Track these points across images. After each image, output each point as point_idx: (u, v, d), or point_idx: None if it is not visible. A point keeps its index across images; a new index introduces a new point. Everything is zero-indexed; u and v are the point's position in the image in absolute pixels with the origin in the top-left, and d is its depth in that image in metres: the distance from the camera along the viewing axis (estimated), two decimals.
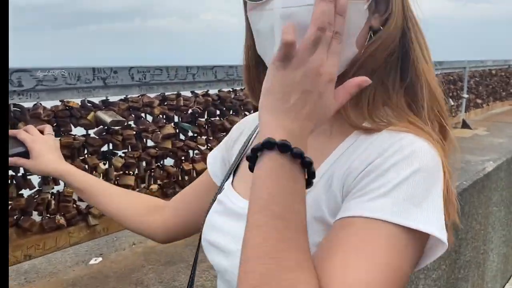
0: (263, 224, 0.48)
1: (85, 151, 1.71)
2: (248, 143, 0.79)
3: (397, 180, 0.51)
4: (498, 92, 5.72)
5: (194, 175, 2.13)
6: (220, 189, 0.77)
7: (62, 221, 1.64)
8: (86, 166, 1.70)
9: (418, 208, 0.50)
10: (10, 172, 1.39)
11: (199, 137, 2.15)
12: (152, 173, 1.97)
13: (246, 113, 2.43)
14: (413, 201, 0.50)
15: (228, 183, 0.76)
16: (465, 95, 4.58)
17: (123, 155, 1.85)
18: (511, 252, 4.21)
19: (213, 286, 1.60)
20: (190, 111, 2.08)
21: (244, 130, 0.85)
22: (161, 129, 1.95)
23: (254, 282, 0.46)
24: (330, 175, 0.59)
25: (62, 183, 1.69)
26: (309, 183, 0.52)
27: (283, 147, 0.49)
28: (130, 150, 1.85)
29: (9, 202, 1.39)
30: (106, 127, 1.72)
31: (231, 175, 0.78)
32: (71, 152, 1.64)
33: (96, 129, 1.72)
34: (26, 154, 1.18)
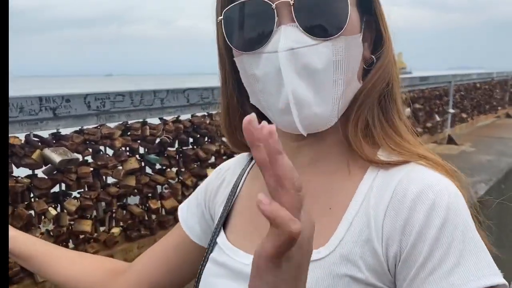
0: None
1: (31, 195, 1.44)
2: (235, 193, 0.72)
3: (452, 245, 0.49)
4: (482, 105, 5.64)
5: (163, 213, 1.87)
6: (211, 247, 0.70)
7: None
8: (32, 213, 1.43)
9: (479, 261, 0.49)
10: None
11: (168, 169, 1.89)
12: (114, 215, 1.71)
13: (224, 139, 2.19)
14: (472, 256, 0.49)
15: (221, 239, 0.69)
16: (451, 110, 4.44)
17: (78, 196, 1.58)
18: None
19: None
20: (157, 140, 1.83)
21: (226, 177, 0.78)
22: (123, 163, 1.69)
23: None
24: (362, 224, 0.55)
25: None
26: None
27: None
28: (86, 190, 1.58)
29: None
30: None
31: (221, 230, 0.71)
32: (13, 197, 1.36)
33: (44, 168, 1.46)
34: None
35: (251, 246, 0.62)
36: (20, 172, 1.41)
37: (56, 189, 1.52)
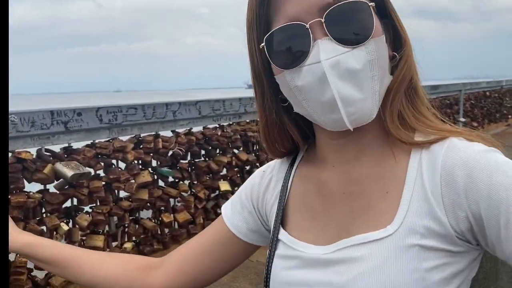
0: None
1: (43, 210, 1.41)
2: (286, 192, 0.77)
3: None
4: (492, 113, 5.56)
5: (176, 227, 1.84)
6: (274, 245, 0.73)
7: None
8: (44, 228, 1.41)
9: None
10: None
11: (181, 182, 1.86)
12: (126, 229, 1.68)
13: (235, 151, 2.17)
14: None
15: (284, 236, 0.73)
16: (462, 119, 4.39)
17: (90, 210, 1.56)
18: None
19: None
20: (170, 153, 1.81)
21: (272, 179, 0.82)
22: (135, 177, 1.66)
23: None
24: (420, 199, 0.61)
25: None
26: None
27: None
28: (98, 204, 1.56)
29: None
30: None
31: (280, 227, 0.75)
32: (25, 213, 1.34)
33: (56, 182, 1.43)
34: None
35: (314, 239, 0.69)
36: (32, 187, 1.39)
37: (68, 203, 1.50)
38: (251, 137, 2.21)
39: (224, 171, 2.09)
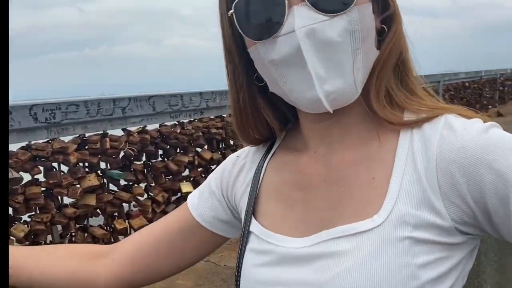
0: None
1: None
2: (258, 182, 0.72)
3: None
4: (472, 104, 5.52)
5: (132, 233, 1.69)
6: (245, 237, 0.68)
7: None
8: None
9: None
10: None
11: (135, 185, 1.71)
12: (73, 239, 1.52)
13: (198, 149, 2.02)
14: None
15: (256, 227, 0.67)
16: None
17: (28, 219, 1.40)
18: (503, 279, 3.89)
19: None
20: (122, 154, 1.66)
21: (245, 165, 0.76)
22: (80, 181, 1.50)
23: None
24: (413, 185, 0.55)
25: None
26: None
27: None
28: (37, 212, 1.40)
29: None
30: None
31: (252, 218, 0.69)
32: None
33: None
34: None
35: (290, 230, 0.63)
36: None
37: None
38: (216, 134, 2.07)
39: (186, 172, 1.94)
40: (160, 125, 1.83)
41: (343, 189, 0.61)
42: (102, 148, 1.57)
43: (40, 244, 1.42)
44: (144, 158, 1.76)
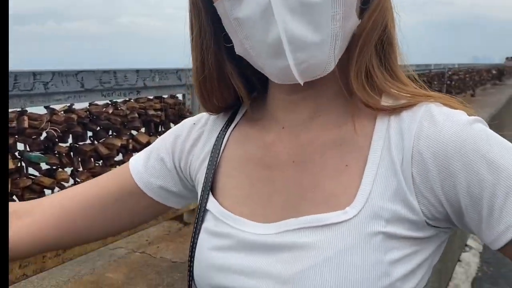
0: None
1: None
2: (219, 151, 0.65)
3: (501, 165, 0.48)
4: None
5: None
6: (201, 215, 0.62)
7: None
8: None
9: None
10: None
11: (60, 170, 1.55)
12: None
13: (133, 132, 1.88)
14: None
15: (214, 206, 0.62)
16: None
17: None
18: (444, 266, 4.00)
19: None
20: (44, 135, 1.49)
21: (203, 135, 0.69)
22: None
23: None
24: (388, 176, 0.52)
25: None
26: None
27: None
28: None
29: None
30: None
31: (209, 195, 0.63)
32: None
33: None
34: None
35: (252, 213, 0.59)
36: None
37: None
38: (154, 116, 1.93)
39: (120, 157, 1.79)
40: (90, 104, 1.67)
41: (314, 173, 0.57)
42: (19, 127, 1.40)
43: None
44: (70, 140, 1.60)
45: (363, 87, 0.55)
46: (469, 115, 0.53)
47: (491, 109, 6.53)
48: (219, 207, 0.62)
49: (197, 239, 0.62)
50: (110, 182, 0.72)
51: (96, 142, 1.68)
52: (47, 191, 1.52)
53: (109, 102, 1.75)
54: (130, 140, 1.81)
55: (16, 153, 1.43)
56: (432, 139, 0.51)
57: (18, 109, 1.43)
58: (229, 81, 0.62)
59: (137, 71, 1.82)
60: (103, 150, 1.67)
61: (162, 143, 0.72)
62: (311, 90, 0.57)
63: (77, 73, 1.57)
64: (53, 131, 1.49)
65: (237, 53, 0.57)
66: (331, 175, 0.56)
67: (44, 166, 1.52)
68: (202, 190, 0.65)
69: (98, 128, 1.68)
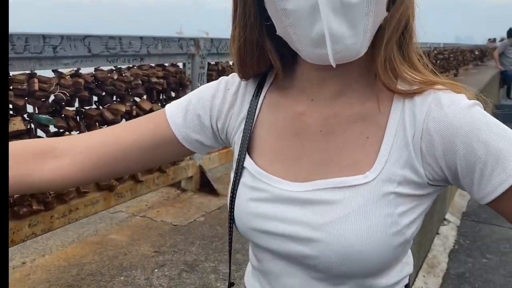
0: None
1: None
2: (254, 116, 0.73)
3: (498, 146, 0.59)
4: None
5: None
6: (239, 172, 0.71)
7: None
8: None
9: None
10: None
11: (67, 133, 1.58)
12: None
13: (136, 98, 1.90)
14: None
15: (250, 165, 0.70)
16: None
17: None
18: (423, 238, 4.16)
19: None
20: (52, 98, 1.51)
21: (238, 97, 0.76)
22: None
23: None
24: (401, 149, 0.63)
25: None
26: None
27: None
28: None
29: None
30: None
31: (246, 155, 0.72)
32: None
33: None
34: None
35: (283, 173, 0.68)
36: None
37: None
38: (156, 84, 1.95)
39: (123, 122, 1.82)
40: (96, 69, 1.69)
41: (339, 142, 0.66)
42: (30, 89, 1.42)
43: None
44: (77, 104, 1.62)
45: (386, 72, 0.63)
46: (469, 99, 0.63)
47: (474, 88, 6.66)
48: (254, 166, 0.71)
49: (236, 190, 0.71)
50: (148, 130, 0.77)
51: (101, 107, 1.71)
52: None
53: (114, 68, 1.77)
54: (134, 107, 1.84)
55: (25, 115, 1.45)
56: (438, 120, 0.61)
57: (28, 72, 1.44)
58: (266, 54, 0.69)
59: (141, 38, 1.83)
60: (108, 115, 1.70)
61: (200, 101, 0.78)
62: (339, 70, 0.63)
63: (84, 37, 1.58)
64: (61, 95, 1.51)
65: (277, 34, 0.64)
66: (354, 145, 0.65)
67: (52, 129, 1.54)
68: (240, 150, 0.73)
69: (104, 93, 1.71)
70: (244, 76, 0.75)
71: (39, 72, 1.48)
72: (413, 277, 3.85)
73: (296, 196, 0.65)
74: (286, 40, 0.64)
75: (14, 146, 0.76)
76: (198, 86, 0.80)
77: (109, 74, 1.72)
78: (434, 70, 0.68)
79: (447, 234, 4.94)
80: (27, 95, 1.43)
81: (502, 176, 0.59)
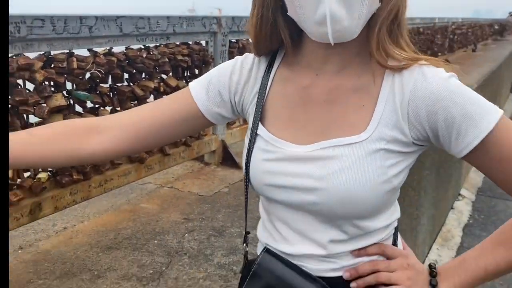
0: None
1: None
2: (266, 90, 0.85)
3: (471, 108, 0.72)
4: (423, 51, 5.69)
5: None
6: (253, 138, 0.84)
7: None
8: None
9: (489, 106, 0.75)
10: None
11: (101, 108, 1.69)
12: None
13: (163, 76, 2.00)
14: (484, 107, 0.73)
15: (263, 132, 0.83)
16: None
17: None
18: (437, 213, 4.24)
19: None
20: (88, 75, 1.62)
21: (252, 74, 0.88)
22: (47, 100, 1.47)
23: None
24: (391, 113, 0.76)
25: None
26: None
27: None
28: None
29: None
30: None
31: (259, 124, 0.83)
32: None
33: None
34: None
35: (292, 137, 0.80)
36: None
37: None
38: (181, 62, 2.05)
39: (151, 98, 1.93)
40: (126, 48, 1.79)
41: (339, 109, 0.78)
42: (69, 67, 1.53)
43: None
44: (110, 81, 1.73)
45: (379, 52, 0.75)
46: (447, 72, 0.75)
47: (492, 64, 6.62)
48: (267, 133, 0.83)
49: (251, 154, 0.83)
50: (176, 106, 0.90)
51: (132, 84, 1.82)
52: None
53: (143, 47, 1.87)
54: (161, 83, 1.94)
55: (64, 92, 1.57)
56: (423, 89, 0.74)
57: (66, 51, 1.55)
58: (278, 31, 0.80)
59: (168, 17, 1.92)
60: (138, 91, 1.80)
61: (219, 79, 0.90)
62: (339, 49, 0.75)
63: (116, 18, 1.67)
64: (97, 72, 1.62)
65: (288, 14, 0.75)
66: (352, 111, 0.77)
67: (88, 104, 1.66)
68: (253, 120, 0.84)
69: (134, 71, 1.81)
70: (257, 52, 0.86)
71: (76, 51, 1.59)
72: (427, 249, 3.95)
73: (302, 155, 0.77)
74: (295, 20, 0.74)
75: (63, 124, 0.88)
76: (220, 63, 0.90)
77: (138, 53, 1.82)
78: (416, 51, 0.80)
79: (462, 209, 5.01)
80: (67, 73, 1.54)
81: (475, 132, 0.72)
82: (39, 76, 1.43)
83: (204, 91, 0.90)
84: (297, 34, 0.80)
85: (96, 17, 1.59)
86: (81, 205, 1.86)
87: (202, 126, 0.94)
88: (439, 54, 6.35)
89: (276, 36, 0.81)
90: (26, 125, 1.45)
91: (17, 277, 1.39)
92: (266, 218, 0.88)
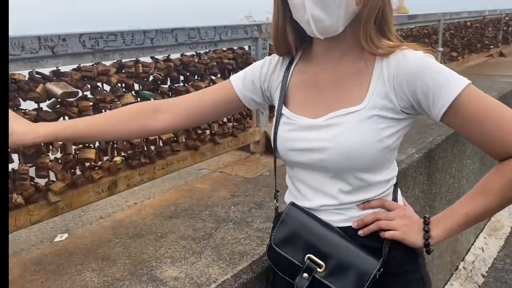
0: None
1: None
2: (287, 80, 1.11)
3: (441, 80, 0.92)
4: (473, 44, 5.68)
5: (160, 144, 2.07)
6: (278, 117, 1.09)
7: (20, 199, 1.56)
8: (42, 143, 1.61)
9: (456, 76, 0.95)
10: None
11: None
12: (115, 145, 1.89)
13: (212, 77, 2.35)
14: (453, 77, 0.94)
15: (286, 111, 1.08)
16: (440, 49, 4.53)
17: None
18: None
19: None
20: (151, 78, 1.99)
21: (277, 69, 1.15)
22: (120, 98, 1.86)
23: None
24: (381, 88, 0.96)
25: (16, 160, 1.60)
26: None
27: None
28: None
29: None
30: (59, 100, 1.62)
31: (282, 105, 1.10)
32: None
33: (48, 102, 1.63)
34: None
35: (308, 113, 1.05)
36: (27, 105, 1.58)
37: (60, 120, 1.69)
38: (227, 64, 2.38)
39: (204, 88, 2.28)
40: (181, 55, 2.15)
41: (343, 89, 1.02)
42: (136, 72, 1.91)
43: (90, 147, 1.79)
44: (168, 83, 2.09)
45: (368, 44, 0.97)
46: (424, 53, 0.95)
47: None
48: (289, 112, 1.10)
49: (277, 128, 1.11)
50: (219, 92, 1.22)
51: (186, 85, 2.17)
52: None
53: (195, 53, 2.22)
54: (210, 83, 2.29)
55: (133, 92, 1.95)
56: (404, 67, 0.94)
57: (134, 59, 1.93)
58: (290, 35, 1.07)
59: (214, 27, 2.27)
60: (192, 90, 2.15)
61: (253, 72, 1.20)
62: (336, 42, 1.00)
63: (172, 30, 2.04)
64: (158, 75, 1.99)
65: (294, 18, 1.01)
66: (352, 89, 1.01)
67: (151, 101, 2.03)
68: (278, 104, 1.13)
69: (188, 73, 2.17)
70: (278, 52, 1.13)
71: (142, 59, 1.96)
72: (473, 237, 4.02)
73: (315, 124, 1.02)
74: (298, 22, 0.99)
75: (136, 105, 1.24)
76: None
77: (191, 58, 2.17)
78: (401, 39, 1.03)
79: None
80: (135, 76, 1.91)
81: (447, 96, 0.91)
82: (113, 80, 1.81)
83: (240, 81, 1.20)
84: (308, 36, 1.02)
85: (156, 31, 1.96)
86: (147, 186, 2.25)
87: (238, 108, 1.25)
88: (492, 47, 6.28)
89: (294, 37, 1.07)
90: None
91: (100, 237, 1.77)
92: (290, 183, 1.16)
